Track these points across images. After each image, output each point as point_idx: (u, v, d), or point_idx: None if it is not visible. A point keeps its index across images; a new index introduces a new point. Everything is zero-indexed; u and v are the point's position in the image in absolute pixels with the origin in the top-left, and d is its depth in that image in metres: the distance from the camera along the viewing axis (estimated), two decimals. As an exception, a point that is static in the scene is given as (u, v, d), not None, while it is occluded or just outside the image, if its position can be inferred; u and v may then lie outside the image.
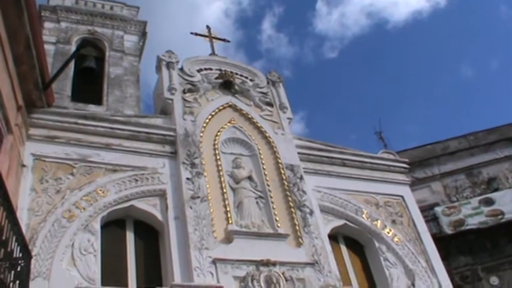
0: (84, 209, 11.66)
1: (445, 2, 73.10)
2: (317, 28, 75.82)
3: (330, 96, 71.78)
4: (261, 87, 16.79)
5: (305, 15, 75.14)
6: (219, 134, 14.59)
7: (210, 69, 16.68)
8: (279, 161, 14.64)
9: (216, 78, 16.25)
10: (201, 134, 14.26)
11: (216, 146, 14.21)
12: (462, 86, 65.95)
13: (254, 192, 13.60)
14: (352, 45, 71.78)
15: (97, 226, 11.65)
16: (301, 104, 73.54)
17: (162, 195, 12.80)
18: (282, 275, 11.86)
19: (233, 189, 13.55)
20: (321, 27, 77.88)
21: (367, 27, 77.27)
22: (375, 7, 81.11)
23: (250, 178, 13.90)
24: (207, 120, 14.75)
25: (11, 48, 10.49)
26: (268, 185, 13.87)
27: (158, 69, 16.04)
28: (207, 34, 18.93)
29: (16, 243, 8.01)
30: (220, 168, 13.72)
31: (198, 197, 12.66)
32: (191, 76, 15.93)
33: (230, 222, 12.54)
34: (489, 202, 21.49)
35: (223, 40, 19.45)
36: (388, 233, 14.72)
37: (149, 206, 12.58)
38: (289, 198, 13.75)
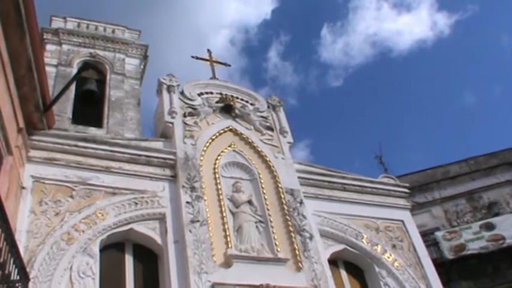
0: (83, 231, 11.60)
1: (448, 31, 73.58)
2: (322, 57, 76.43)
3: (335, 124, 72.22)
4: (261, 112, 16.82)
5: (310, 43, 75.76)
6: (219, 157, 14.57)
7: (211, 93, 16.72)
8: (279, 185, 14.60)
9: (217, 102, 16.27)
10: (201, 158, 14.24)
11: (216, 170, 14.19)
12: (465, 112, 66.31)
13: (254, 217, 13.54)
14: (356, 73, 72.25)
15: (96, 249, 11.59)
16: (305, 131, 73.98)
17: (161, 218, 12.75)
18: (281, 300, 11.82)
19: (233, 213, 13.49)
20: (325, 56, 78.46)
21: (372, 56, 78.02)
22: (379, 36, 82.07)
23: (250, 202, 13.85)
24: (208, 144, 14.74)
25: (12, 70, 10.52)
26: (268, 209, 13.81)
27: (159, 92, 16.07)
28: (207, 58, 18.98)
29: (14, 266, 7.97)
30: (220, 192, 13.68)
31: (198, 221, 12.60)
32: (192, 100, 15.96)
33: (230, 246, 12.46)
34: (490, 227, 21.47)
35: (224, 64, 19.46)
36: (389, 257, 14.64)
37: (148, 230, 12.53)
38: (289, 223, 13.69)
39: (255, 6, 79.40)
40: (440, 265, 17.64)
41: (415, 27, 76.35)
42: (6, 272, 7.64)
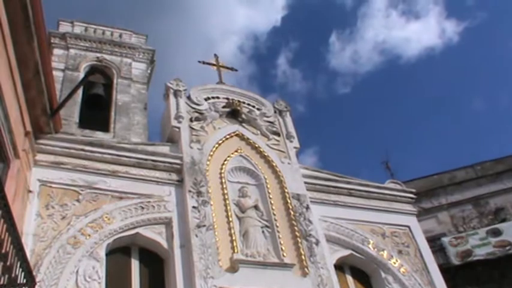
0: (89, 235, 11.62)
1: (457, 38, 73.30)
2: (331, 64, 76.44)
3: (343, 131, 72.23)
4: (268, 116, 16.82)
5: (319, 50, 75.89)
6: (225, 162, 14.58)
7: (218, 97, 16.73)
8: (286, 190, 14.59)
9: (224, 106, 16.28)
10: (208, 163, 14.25)
11: (222, 175, 14.19)
12: (473, 119, 66.15)
13: (260, 222, 13.54)
14: (365, 81, 72.40)
15: (102, 253, 11.59)
16: (314, 138, 74.08)
17: (167, 223, 12.76)
18: (287, 305, 11.82)
19: (239, 218, 13.49)
20: (334, 63, 78.41)
21: (380, 63, 77.70)
22: (388, 44, 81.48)
23: (256, 207, 13.85)
24: (214, 149, 14.75)
25: (20, 74, 10.55)
26: (274, 214, 13.80)
27: (166, 97, 16.09)
28: (214, 63, 19.00)
29: (21, 269, 7.98)
30: (226, 197, 13.68)
31: (204, 226, 12.61)
32: (198, 104, 15.97)
33: (236, 251, 12.47)
34: (497, 233, 21.42)
35: (231, 69, 19.46)
36: (395, 263, 14.61)
37: (155, 234, 12.53)
38: (295, 228, 13.67)
39: (265, 13, 79.49)
40: (447, 271, 17.57)
41: (423, 34, 76.06)
42: (13, 275, 7.65)
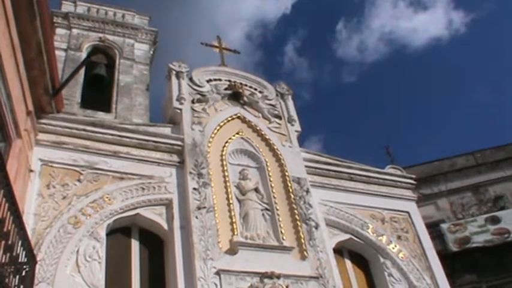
0: (90, 215, 11.66)
1: (464, 29, 72.83)
2: (337, 53, 76.25)
3: (348, 119, 72.19)
4: (269, 99, 16.79)
5: (326, 38, 75.71)
6: (226, 144, 14.58)
7: (220, 79, 16.68)
8: (286, 173, 14.60)
9: (225, 89, 16.24)
10: (209, 145, 14.25)
11: (223, 157, 14.20)
12: (477, 109, 66.10)
13: (260, 204, 13.56)
14: (370, 70, 72.25)
15: (102, 233, 11.64)
16: (319, 126, 74.09)
17: (168, 204, 12.80)
18: (285, 288, 11.87)
19: (239, 201, 13.52)
20: (340, 52, 78.05)
21: (386, 53, 77.32)
22: (394, 34, 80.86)
23: (256, 190, 13.87)
24: (215, 131, 14.74)
25: (22, 53, 10.52)
26: (274, 197, 13.83)
27: (168, 78, 16.05)
28: (217, 44, 18.92)
29: (22, 248, 8.02)
30: (227, 179, 13.70)
31: (204, 207, 12.64)
32: (200, 86, 15.93)
33: (235, 233, 12.50)
34: (495, 220, 21.48)
35: (233, 51, 19.34)
36: (393, 248, 14.66)
37: (155, 215, 12.58)
38: (295, 211, 13.70)
39: (275, 0, 79.02)
40: (445, 257, 17.61)
41: (430, 25, 75.68)
42: (14, 254, 7.69)
